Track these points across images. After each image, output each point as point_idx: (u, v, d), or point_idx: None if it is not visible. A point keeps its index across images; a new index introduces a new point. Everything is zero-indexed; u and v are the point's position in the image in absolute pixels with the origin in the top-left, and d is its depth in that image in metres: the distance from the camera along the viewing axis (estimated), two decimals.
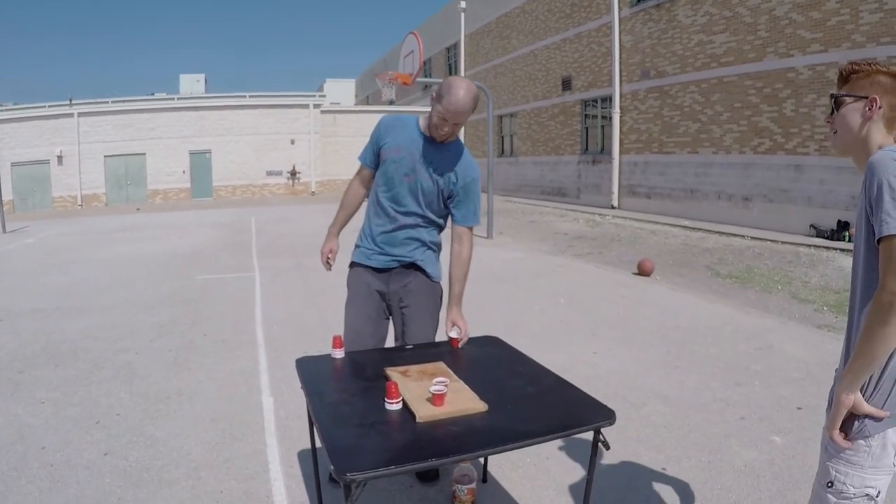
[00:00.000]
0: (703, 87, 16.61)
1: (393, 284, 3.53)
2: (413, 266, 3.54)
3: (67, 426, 4.48)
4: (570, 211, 20.65)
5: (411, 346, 3.44)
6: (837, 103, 2.07)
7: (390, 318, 3.65)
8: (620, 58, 20.10)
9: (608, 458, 3.74)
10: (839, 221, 12.71)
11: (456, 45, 35.05)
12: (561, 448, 3.91)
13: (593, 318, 7.27)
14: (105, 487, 3.59)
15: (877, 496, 1.92)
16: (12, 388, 5.30)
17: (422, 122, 3.44)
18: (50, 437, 4.29)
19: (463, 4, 33.55)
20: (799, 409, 4.53)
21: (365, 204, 3.70)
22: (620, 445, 3.89)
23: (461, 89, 3.19)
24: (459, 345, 3.39)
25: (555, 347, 6.17)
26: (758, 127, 14.91)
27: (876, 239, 1.76)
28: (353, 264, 3.62)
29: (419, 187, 3.40)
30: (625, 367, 5.55)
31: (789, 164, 14.10)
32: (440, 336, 3.61)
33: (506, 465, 3.74)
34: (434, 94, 3.30)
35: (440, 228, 3.62)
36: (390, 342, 3.68)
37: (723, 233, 14.18)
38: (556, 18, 24.15)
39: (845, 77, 2.09)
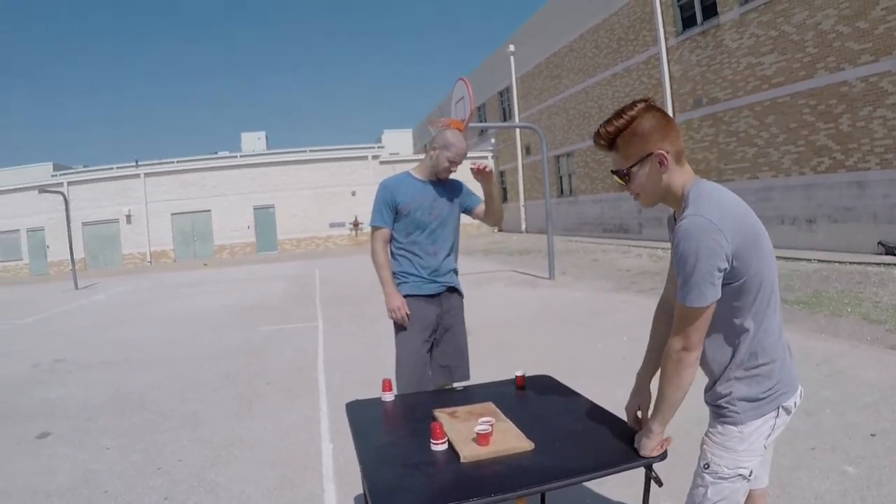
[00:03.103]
0: (756, 110, 16.35)
1: (444, 304, 4.24)
2: (453, 289, 4.30)
3: (131, 472, 4.62)
4: (632, 247, 20.40)
5: (462, 388, 3.45)
6: (624, 176, 2.23)
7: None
8: (671, 88, 19.99)
9: (667, 496, 3.64)
10: None
11: (508, 89, 35.37)
12: (622, 487, 3.82)
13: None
14: None
15: (749, 475, 2.20)
16: (80, 436, 5.48)
17: (415, 173, 4.27)
18: (114, 482, 4.42)
19: (512, 48, 33.92)
20: (872, 435, 4.34)
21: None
22: (684, 481, 3.79)
23: (460, 139, 4.15)
24: (487, 168, 4.09)
25: (616, 385, 6.04)
26: (815, 146, 14.58)
27: (678, 300, 2.07)
28: (406, 296, 4.16)
29: (441, 217, 4.19)
30: (688, 401, 5.41)
31: (851, 181, 13.71)
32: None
33: None
34: (435, 146, 4.15)
35: (458, 238, 4.43)
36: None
37: (788, 258, 13.79)
38: (603, 54, 24.19)
39: (610, 142, 2.19)
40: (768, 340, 2.17)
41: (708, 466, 2.21)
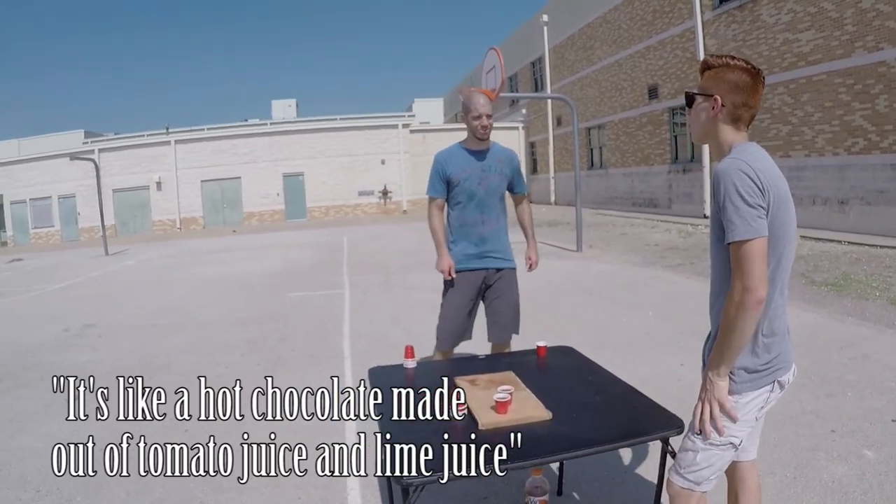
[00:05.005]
0: (791, 87, 16.06)
1: (492, 274, 4.52)
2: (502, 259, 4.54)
3: (157, 432, 4.70)
4: (661, 222, 20.26)
5: (483, 357, 3.51)
6: (689, 100, 2.32)
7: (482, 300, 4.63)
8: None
9: None
10: None
11: (541, 59, 35.00)
12: (641, 461, 3.85)
13: (681, 330, 7.11)
14: (189, 491, 3.79)
15: (739, 444, 2.27)
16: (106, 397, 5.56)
17: (465, 144, 4.50)
18: (141, 444, 4.51)
19: (545, 18, 33.53)
20: (893, 421, 4.32)
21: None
22: None
23: (477, 94, 4.40)
24: (530, 270, 4.74)
25: (640, 360, 6.09)
26: (851, 126, 14.30)
27: (726, 242, 2.08)
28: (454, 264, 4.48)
29: (490, 186, 4.44)
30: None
31: (885, 163, 13.44)
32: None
33: (582, 479, 3.71)
34: (463, 112, 4.42)
35: (505, 207, 4.66)
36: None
37: (819, 238, 13.64)
38: (638, 26, 23.87)
39: (703, 69, 2.29)
40: (776, 313, 2.22)
41: (701, 431, 2.25)
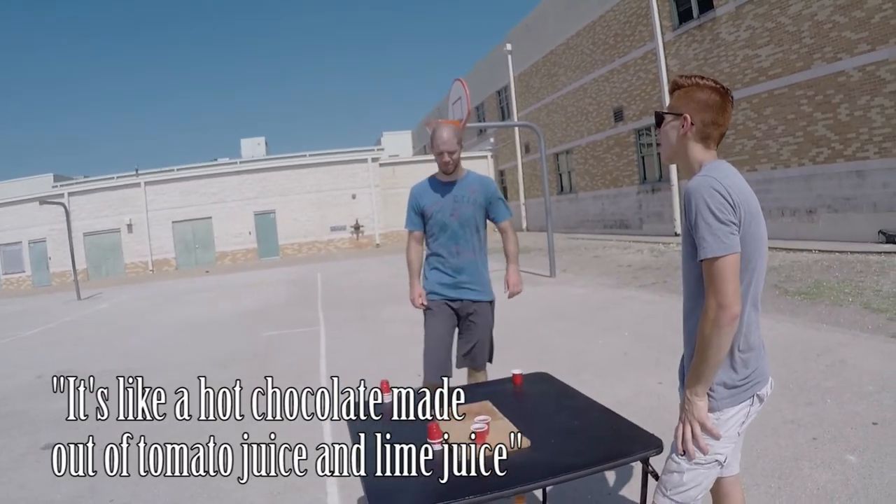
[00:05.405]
0: (754, 102, 16.33)
1: (466, 307, 4.49)
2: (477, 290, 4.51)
3: (136, 480, 4.59)
4: (633, 242, 20.38)
5: (459, 388, 3.46)
6: (658, 120, 2.36)
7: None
8: (669, 83, 19.89)
9: None
10: None
11: (506, 88, 35.33)
12: (624, 483, 3.82)
13: (658, 348, 7.12)
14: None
15: (724, 461, 2.26)
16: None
17: (437, 176, 4.55)
18: (118, 491, 4.41)
19: (509, 47, 33.91)
20: (874, 424, 4.34)
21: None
22: None
23: (442, 128, 4.39)
24: (510, 297, 4.62)
25: (618, 380, 6.07)
26: (814, 136, 14.56)
27: (698, 259, 2.09)
28: (429, 293, 4.54)
29: (463, 216, 4.43)
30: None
31: (850, 170, 13.68)
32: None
33: None
34: (430, 145, 4.42)
35: (483, 237, 4.61)
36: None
37: (789, 249, 13.79)
38: (601, 50, 24.19)
39: (672, 89, 2.36)
40: (751, 328, 2.23)
41: (685, 452, 2.23)
